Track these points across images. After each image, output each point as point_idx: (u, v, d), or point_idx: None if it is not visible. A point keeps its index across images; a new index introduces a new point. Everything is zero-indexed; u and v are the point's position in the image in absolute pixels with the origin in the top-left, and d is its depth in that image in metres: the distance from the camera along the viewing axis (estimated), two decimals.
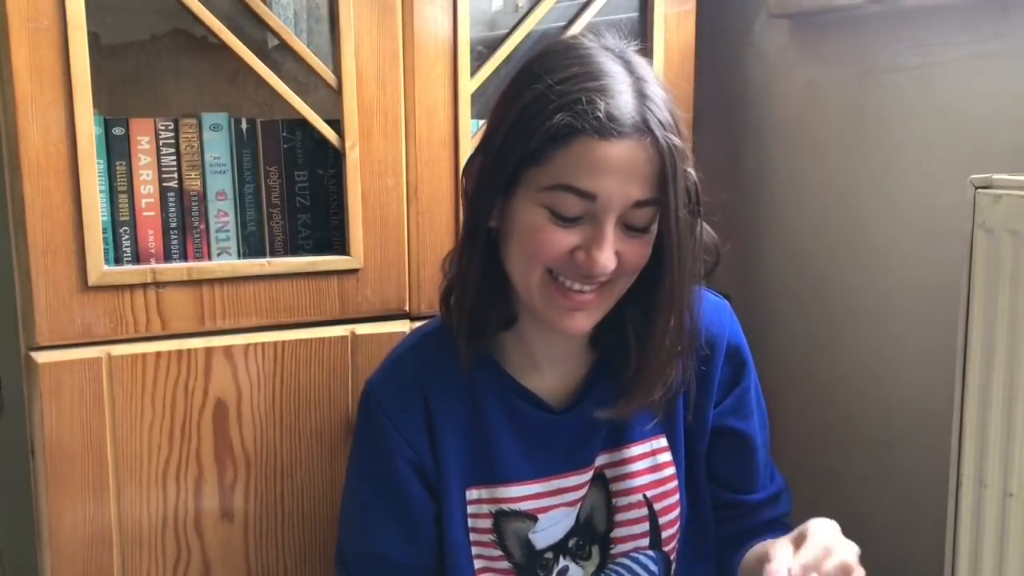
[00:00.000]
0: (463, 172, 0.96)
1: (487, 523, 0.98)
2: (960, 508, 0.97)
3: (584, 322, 0.91)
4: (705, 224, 0.96)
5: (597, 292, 0.90)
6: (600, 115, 0.83)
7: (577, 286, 0.89)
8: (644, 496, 0.99)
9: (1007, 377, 0.92)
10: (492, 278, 0.94)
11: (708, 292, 1.03)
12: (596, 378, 0.99)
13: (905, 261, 1.23)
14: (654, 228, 0.89)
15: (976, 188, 0.94)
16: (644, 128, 0.85)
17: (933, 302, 1.19)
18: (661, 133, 0.85)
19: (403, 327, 1.19)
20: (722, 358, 1.01)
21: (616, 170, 0.84)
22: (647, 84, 0.87)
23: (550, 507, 0.98)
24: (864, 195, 1.28)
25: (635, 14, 1.32)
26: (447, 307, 0.99)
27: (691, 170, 0.89)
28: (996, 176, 0.93)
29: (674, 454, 1.01)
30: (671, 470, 1.01)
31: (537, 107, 0.86)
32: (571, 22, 1.27)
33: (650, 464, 1.00)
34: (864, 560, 0.83)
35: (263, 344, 1.12)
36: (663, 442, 1.01)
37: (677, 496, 1.01)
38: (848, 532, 0.84)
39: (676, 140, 0.86)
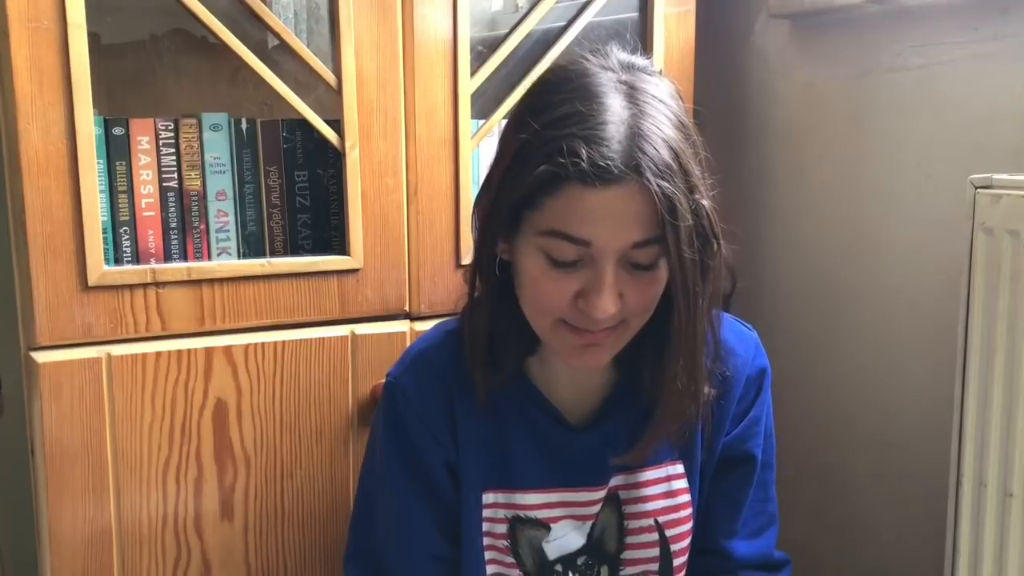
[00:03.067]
0: (474, 205, 0.95)
1: (502, 528, 0.97)
2: (960, 508, 0.97)
3: (599, 358, 0.90)
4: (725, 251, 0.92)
5: (610, 331, 0.87)
6: (583, 164, 0.79)
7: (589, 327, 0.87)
8: (656, 521, 0.98)
9: (1007, 377, 0.91)
10: (507, 309, 0.92)
11: (736, 323, 1.01)
12: (617, 398, 0.98)
13: (905, 261, 1.23)
14: (664, 263, 0.84)
15: (976, 188, 0.94)
16: (633, 173, 0.80)
17: (933, 302, 1.19)
18: (653, 178, 0.79)
19: (403, 327, 1.19)
20: (739, 391, 0.99)
21: (608, 216, 0.81)
22: (646, 118, 0.82)
23: (560, 517, 0.97)
24: (864, 195, 1.28)
25: (635, 14, 1.32)
26: (465, 326, 0.97)
27: (705, 201, 0.83)
28: (996, 176, 0.93)
29: (690, 482, 0.99)
30: (685, 497, 0.99)
31: (525, 155, 0.83)
32: (571, 22, 1.27)
33: (665, 489, 0.98)
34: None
35: (263, 344, 1.12)
36: (680, 469, 0.99)
37: (690, 524, 0.99)
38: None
39: (668, 185, 0.80)
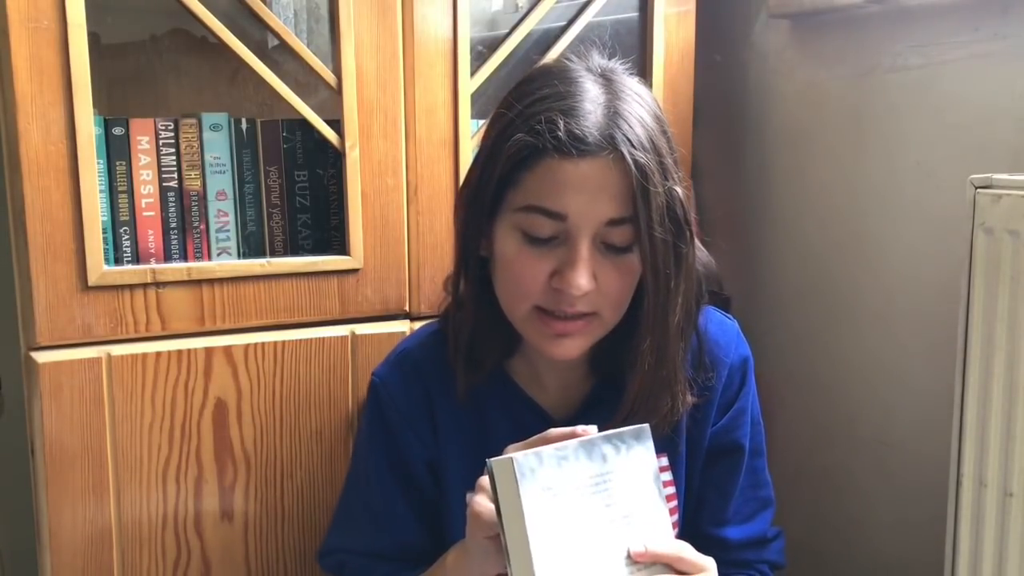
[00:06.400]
0: (455, 203, 0.97)
1: None
2: (960, 508, 0.97)
3: (572, 348, 0.91)
4: (703, 250, 0.95)
5: (585, 321, 0.89)
6: (560, 134, 0.83)
7: (562, 313, 0.88)
8: None
9: (1007, 377, 0.91)
10: (488, 308, 0.94)
11: (716, 313, 1.02)
12: (600, 396, 0.98)
13: (905, 261, 1.23)
14: (638, 250, 0.87)
15: (976, 188, 0.94)
16: (609, 145, 0.83)
17: (933, 302, 1.19)
18: (628, 150, 0.83)
19: (403, 327, 1.19)
20: (723, 381, 1.00)
21: (584, 189, 0.84)
22: (624, 103, 0.86)
23: None
24: (864, 195, 1.27)
25: (635, 14, 1.32)
26: (447, 328, 0.99)
27: (678, 188, 0.86)
28: (996, 176, 0.93)
29: (675, 475, 1.00)
30: (670, 490, 1.00)
31: (506, 132, 0.87)
32: (571, 22, 1.27)
33: None
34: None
35: (263, 344, 1.12)
36: (664, 462, 0.99)
37: (676, 517, 1.00)
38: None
39: (642, 157, 0.83)
